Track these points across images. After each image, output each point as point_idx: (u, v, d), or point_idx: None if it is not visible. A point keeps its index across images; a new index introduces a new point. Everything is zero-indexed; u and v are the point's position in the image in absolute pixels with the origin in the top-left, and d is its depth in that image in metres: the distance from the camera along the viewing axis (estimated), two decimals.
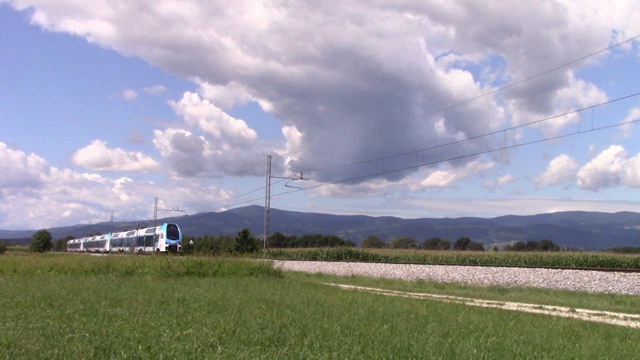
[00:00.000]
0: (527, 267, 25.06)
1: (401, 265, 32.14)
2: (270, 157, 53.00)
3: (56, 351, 5.62)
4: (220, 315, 8.50)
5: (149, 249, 59.94)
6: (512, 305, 13.53)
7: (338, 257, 47.28)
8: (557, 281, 21.22)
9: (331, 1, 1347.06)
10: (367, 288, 19.48)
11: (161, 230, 58.71)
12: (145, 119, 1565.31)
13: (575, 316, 11.53)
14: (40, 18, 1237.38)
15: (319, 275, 30.18)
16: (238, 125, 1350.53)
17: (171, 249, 54.77)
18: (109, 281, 15.50)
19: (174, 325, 7.38)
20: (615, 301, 15.70)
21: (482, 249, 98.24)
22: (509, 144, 42.05)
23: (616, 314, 12.16)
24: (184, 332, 6.82)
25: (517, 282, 22.39)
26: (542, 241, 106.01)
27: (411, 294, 16.92)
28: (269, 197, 52.27)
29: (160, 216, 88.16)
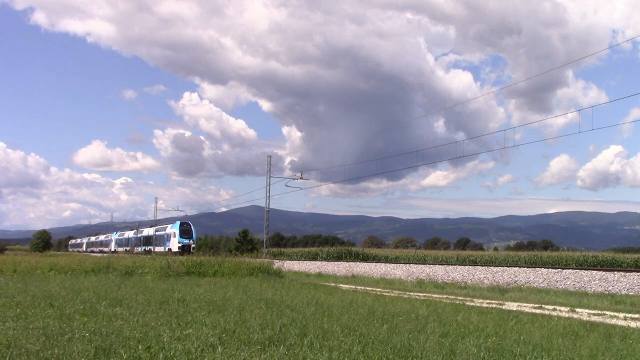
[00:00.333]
0: (527, 267, 25.06)
1: (401, 265, 32.14)
2: (270, 157, 52.97)
3: (56, 351, 5.62)
4: (220, 315, 8.50)
5: (160, 249, 56.99)
6: (512, 305, 13.53)
7: (338, 257, 47.29)
8: (557, 281, 21.22)
9: (331, 1, 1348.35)
10: (367, 288, 19.48)
11: (173, 229, 55.19)
12: (145, 119, 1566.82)
13: (575, 316, 11.53)
14: (39, 18, 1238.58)
15: (319, 275, 30.18)
16: (238, 125, 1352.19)
17: (184, 249, 51.61)
18: (109, 281, 15.49)
19: (174, 325, 7.38)
20: (615, 301, 15.70)
21: (482, 249, 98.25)
22: (509, 144, 42.01)
23: (616, 314, 12.16)
24: (184, 332, 6.82)
25: (517, 282, 22.39)
26: (542, 241, 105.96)
27: (411, 294, 16.92)
28: (269, 197, 52.26)
29: (160, 216, 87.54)
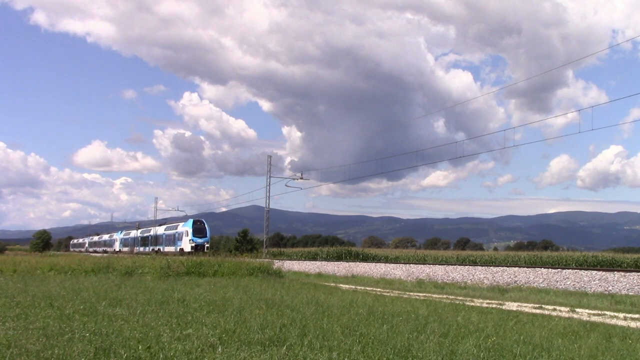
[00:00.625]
0: (527, 267, 25.06)
1: (401, 265, 32.14)
2: (270, 157, 52.94)
3: (56, 351, 5.62)
4: (220, 315, 8.50)
5: (170, 248, 54.02)
6: (512, 305, 13.53)
7: (338, 257, 47.28)
8: (557, 281, 21.22)
9: (331, 1, 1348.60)
10: (367, 288, 19.48)
11: (185, 227, 51.69)
12: (145, 119, 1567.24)
13: (575, 316, 11.53)
14: (39, 18, 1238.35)
15: (319, 275, 30.18)
16: (238, 125, 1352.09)
17: (198, 248, 48.31)
18: (109, 281, 15.49)
19: (174, 325, 7.38)
20: (615, 301, 15.70)
21: (482, 249, 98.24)
22: (509, 144, 42.00)
23: (616, 314, 12.16)
24: (184, 332, 6.82)
25: (517, 282, 22.39)
26: (542, 241, 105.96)
27: (411, 294, 16.92)
28: (269, 197, 52.25)
29: (160, 216, 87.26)
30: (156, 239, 60.19)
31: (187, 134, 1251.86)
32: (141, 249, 64.14)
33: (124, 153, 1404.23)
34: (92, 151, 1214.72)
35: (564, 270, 22.28)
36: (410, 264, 33.35)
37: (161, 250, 55.38)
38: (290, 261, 39.26)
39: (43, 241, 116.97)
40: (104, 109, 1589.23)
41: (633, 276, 19.42)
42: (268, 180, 51.75)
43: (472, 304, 13.52)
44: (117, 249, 75.51)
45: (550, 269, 23.05)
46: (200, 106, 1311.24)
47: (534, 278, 22.25)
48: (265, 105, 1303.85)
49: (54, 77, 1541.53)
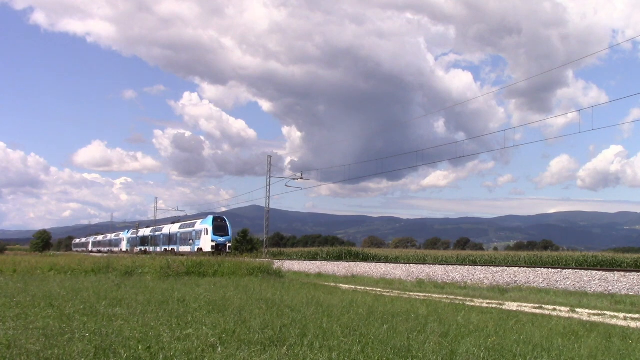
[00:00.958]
0: (527, 267, 25.06)
1: (401, 265, 32.15)
2: (270, 157, 52.91)
3: (56, 351, 5.62)
4: (220, 315, 8.50)
5: (186, 248, 49.92)
6: (512, 305, 13.54)
7: (338, 257, 47.28)
8: (557, 281, 21.22)
9: (331, 1, 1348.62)
10: (367, 288, 19.49)
11: (205, 225, 47.43)
12: (145, 119, 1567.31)
13: (575, 316, 11.53)
14: (39, 18, 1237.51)
15: (319, 275, 30.18)
16: (238, 125, 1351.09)
17: (219, 248, 44.53)
18: (109, 281, 15.49)
19: (174, 325, 7.38)
20: (615, 301, 15.70)
21: (482, 249, 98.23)
22: (509, 144, 41.97)
23: (616, 314, 12.16)
24: (184, 332, 6.82)
25: (517, 282, 22.39)
26: (542, 241, 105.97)
27: (411, 294, 16.92)
28: (269, 197, 52.23)
29: (160, 216, 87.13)
30: (169, 238, 56.46)
31: (187, 134, 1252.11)
32: (151, 249, 60.32)
33: (124, 153, 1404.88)
34: (92, 151, 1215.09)
35: (564, 270, 22.29)
36: (410, 264, 33.35)
37: (175, 250, 51.77)
38: (290, 261, 39.26)
39: (43, 241, 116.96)
40: (104, 109, 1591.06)
41: (633, 276, 19.42)
42: (268, 180, 51.76)
43: (472, 304, 13.52)
44: (124, 249, 71.92)
45: (550, 269, 23.06)
46: (200, 106, 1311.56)
47: (534, 278, 22.25)
48: (265, 105, 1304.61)
49: (54, 77, 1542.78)
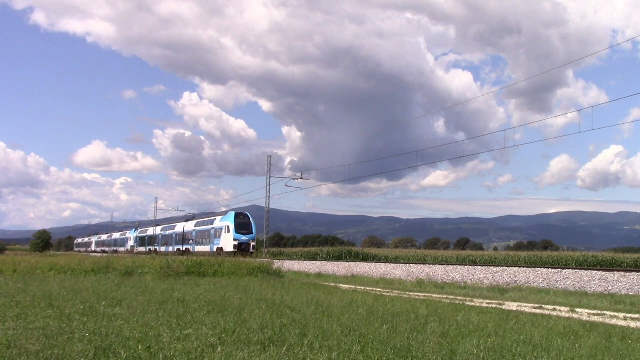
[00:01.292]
0: (527, 267, 25.06)
1: (401, 265, 32.14)
2: (270, 157, 52.88)
3: (56, 351, 5.62)
4: (220, 315, 8.50)
5: (203, 248, 46.37)
6: (512, 305, 13.53)
7: (338, 257, 47.25)
8: (557, 281, 21.22)
9: (331, 1, 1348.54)
10: (367, 288, 19.48)
11: (226, 222, 43.64)
12: (145, 119, 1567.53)
13: (575, 316, 11.53)
14: (39, 18, 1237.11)
15: (319, 275, 30.17)
16: (238, 125, 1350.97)
17: (242, 248, 41.12)
18: (109, 281, 15.49)
19: (174, 325, 7.38)
20: (615, 301, 15.70)
21: (482, 249, 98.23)
22: (509, 144, 41.98)
23: (616, 314, 12.16)
24: (184, 332, 6.82)
25: (517, 282, 22.39)
26: (542, 241, 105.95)
27: (411, 294, 16.92)
28: (269, 197, 52.19)
29: (160, 216, 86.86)
30: (184, 237, 52.74)
31: (187, 134, 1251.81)
32: (162, 248, 57.20)
33: (124, 153, 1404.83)
34: (92, 151, 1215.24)
35: (564, 270, 22.28)
36: (410, 264, 33.34)
37: (190, 250, 48.30)
38: (290, 261, 39.23)
39: (43, 241, 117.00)
40: (104, 109, 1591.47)
41: (633, 276, 19.42)
42: (268, 180, 51.74)
43: (472, 304, 13.52)
44: (131, 249, 68.94)
45: (550, 269, 23.05)
46: (200, 106, 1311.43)
47: (534, 278, 22.25)
48: (265, 105, 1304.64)
49: (54, 77, 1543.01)
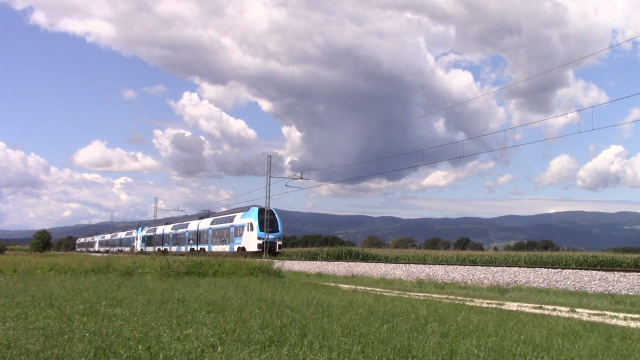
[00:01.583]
0: (527, 267, 25.04)
1: (401, 265, 32.12)
2: (270, 157, 52.77)
3: (56, 351, 5.62)
4: (220, 315, 8.50)
5: (221, 248, 42.66)
6: (512, 305, 13.53)
7: (338, 257, 47.20)
8: (557, 281, 21.21)
9: (331, 1, 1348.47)
10: (367, 288, 19.48)
11: (248, 219, 39.77)
12: (145, 119, 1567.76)
13: (575, 316, 11.53)
14: (39, 18, 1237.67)
15: (319, 275, 30.16)
16: (238, 125, 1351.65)
17: (267, 248, 38.17)
18: (109, 281, 15.48)
19: (174, 325, 7.38)
20: (615, 301, 15.69)
21: (482, 249, 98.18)
22: (509, 144, 41.89)
23: (616, 314, 12.16)
24: (184, 332, 6.82)
25: (517, 282, 22.38)
26: (542, 241, 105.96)
27: (411, 294, 16.91)
28: (269, 197, 52.02)
29: (160, 216, 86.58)
30: (198, 236, 49.21)
31: (187, 134, 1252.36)
32: (173, 248, 54.15)
33: (124, 153, 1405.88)
34: (92, 151, 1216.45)
35: (564, 270, 22.27)
36: (410, 264, 33.32)
37: (206, 250, 44.95)
38: (290, 261, 39.18)
39: (43, 241, 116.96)
40: (104, 109, 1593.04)
41: (633, 276, 19.41)
42: (268, 180, 51.62)
43: (472, 304, 13.51)
44: (138, 249, 66.15)
45: (550, 269, 23.04)
46: (200, 106, 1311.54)
47: (534, 278, 22.24)
48: (265, 105, 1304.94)
49: (54, 77, 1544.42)
